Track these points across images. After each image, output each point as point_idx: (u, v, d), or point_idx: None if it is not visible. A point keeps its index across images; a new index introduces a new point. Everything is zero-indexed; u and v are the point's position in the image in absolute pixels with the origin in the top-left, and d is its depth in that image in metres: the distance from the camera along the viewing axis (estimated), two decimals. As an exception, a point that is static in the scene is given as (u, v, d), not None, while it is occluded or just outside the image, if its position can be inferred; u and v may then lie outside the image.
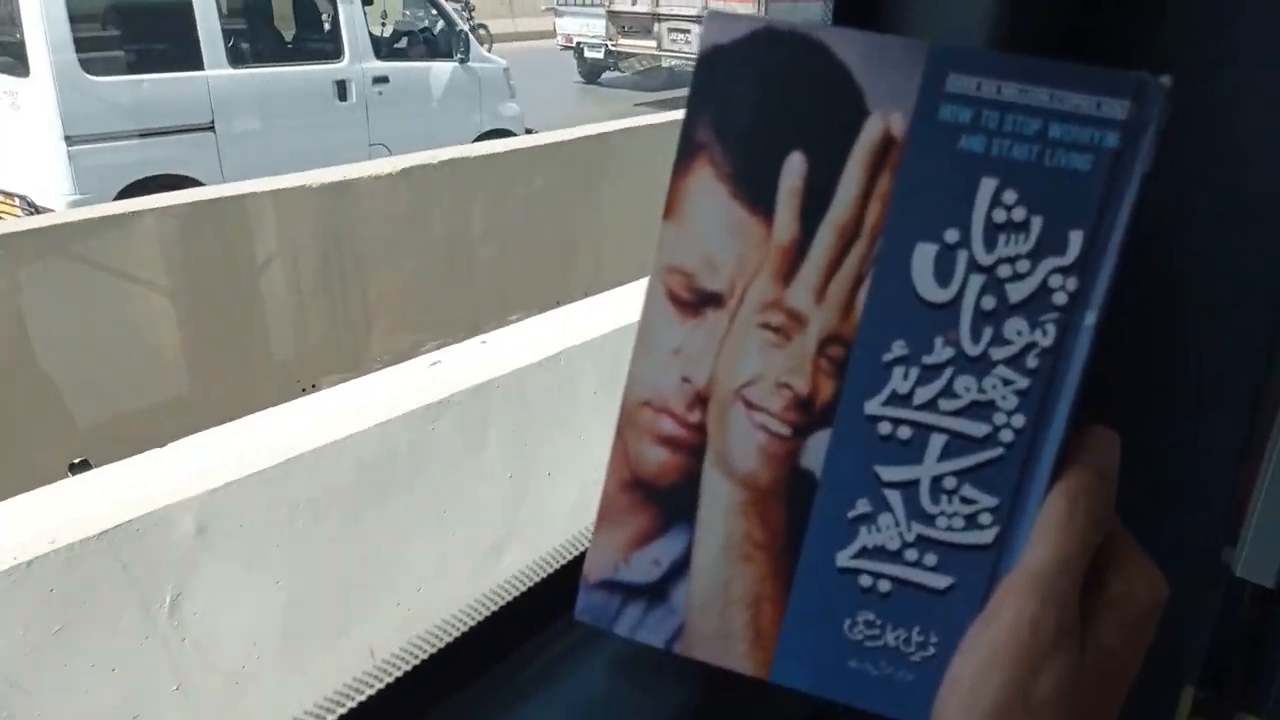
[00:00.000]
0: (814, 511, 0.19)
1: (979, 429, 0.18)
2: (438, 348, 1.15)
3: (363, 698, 0.33)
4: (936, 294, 0.18)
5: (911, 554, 0.19)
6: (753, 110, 0.18)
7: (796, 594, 0.19)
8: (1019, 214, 0.18)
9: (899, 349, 0.18)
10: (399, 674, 0.34)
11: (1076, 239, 0.18)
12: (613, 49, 7.45)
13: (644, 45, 7.31)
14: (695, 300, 0.19)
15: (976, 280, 0.18)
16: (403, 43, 4.51)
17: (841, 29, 0.18)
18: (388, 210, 2.00)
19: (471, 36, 4.41)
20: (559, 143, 2.26)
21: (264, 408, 0.97)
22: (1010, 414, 0.18)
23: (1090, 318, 0.18)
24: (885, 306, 0.18)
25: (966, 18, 0.21)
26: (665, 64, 7.34)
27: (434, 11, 4.33)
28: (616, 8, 7.33)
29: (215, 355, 1.80)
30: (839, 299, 0.19)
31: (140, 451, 0.83)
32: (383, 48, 4.16)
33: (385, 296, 2.03)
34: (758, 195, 0.18)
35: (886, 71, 0.18)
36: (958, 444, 0.19)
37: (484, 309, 2.13)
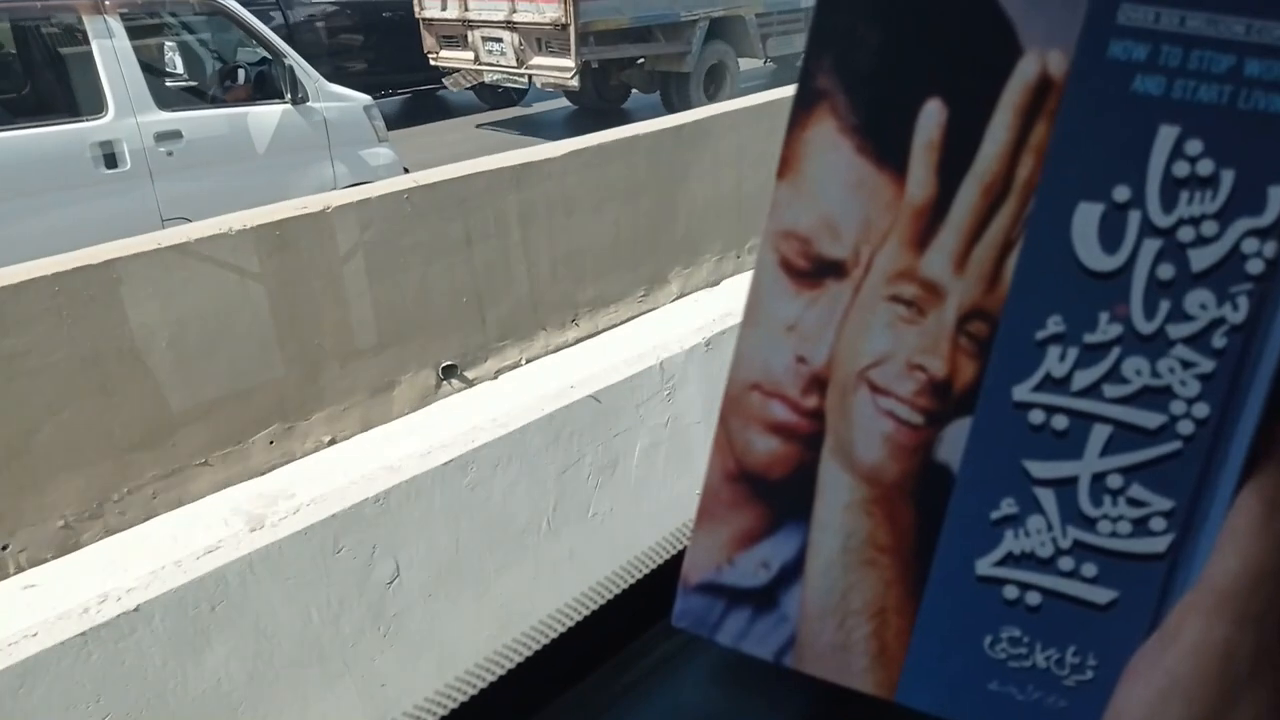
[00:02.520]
0: (950, 511, 0.22)
1: (1152, 419, 0.21)
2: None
3: (454, 705, 0.45)
4: (1102, 261, 0.21)
5: (1066, 563, 0.21)
6: (882, 52, 0.21)
7: (928, 605, 0.22)
8: (1205, 167, 0.20)
9: (1055, 325, 0.21)
10: (485, 683, 0.45)
11: (1277, 197, 0.20)
12: (433, 63, 8.15)
13: (463, 58, 7.91)
14: (813, 269, 0.22)
15: (1152, 245, 0.20)
16: (211, 84, 4.61)
17: None
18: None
19: (309, 71, 4.43)
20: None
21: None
22: (1191, 402, 0.21)
23: None
24: (1039, 276, 0.21)
25: None
26: (487, 79, 8.03)
27: (254, 42, 4.40)
28: (427, 14, 7.90)
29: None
30: (983, 267, 0.21)
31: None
32: (173, 94, 4.28)
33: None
34: (888, 149, 0.22)
35: (1043, 3, 0.21)
36: (1125, 436, 0.21)
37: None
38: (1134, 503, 0.21)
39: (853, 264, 0.22)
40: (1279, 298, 0.20)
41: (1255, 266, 0.20)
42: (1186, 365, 0.21)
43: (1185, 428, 0.21)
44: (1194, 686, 0.20)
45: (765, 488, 0.24)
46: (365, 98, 4.85)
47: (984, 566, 0.22)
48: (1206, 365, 0.20)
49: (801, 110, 0.22)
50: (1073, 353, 0.21)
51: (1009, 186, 0.21)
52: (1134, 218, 0.21)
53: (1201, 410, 0.21)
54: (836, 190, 0.22)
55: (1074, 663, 0.22)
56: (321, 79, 4.59)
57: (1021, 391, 0.22)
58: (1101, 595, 0.22)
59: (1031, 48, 0.21)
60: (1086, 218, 0.21)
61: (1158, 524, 0.21)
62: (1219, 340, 0.20)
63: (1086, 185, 0.21)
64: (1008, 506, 0.22)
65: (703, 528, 0.24)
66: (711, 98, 7.98)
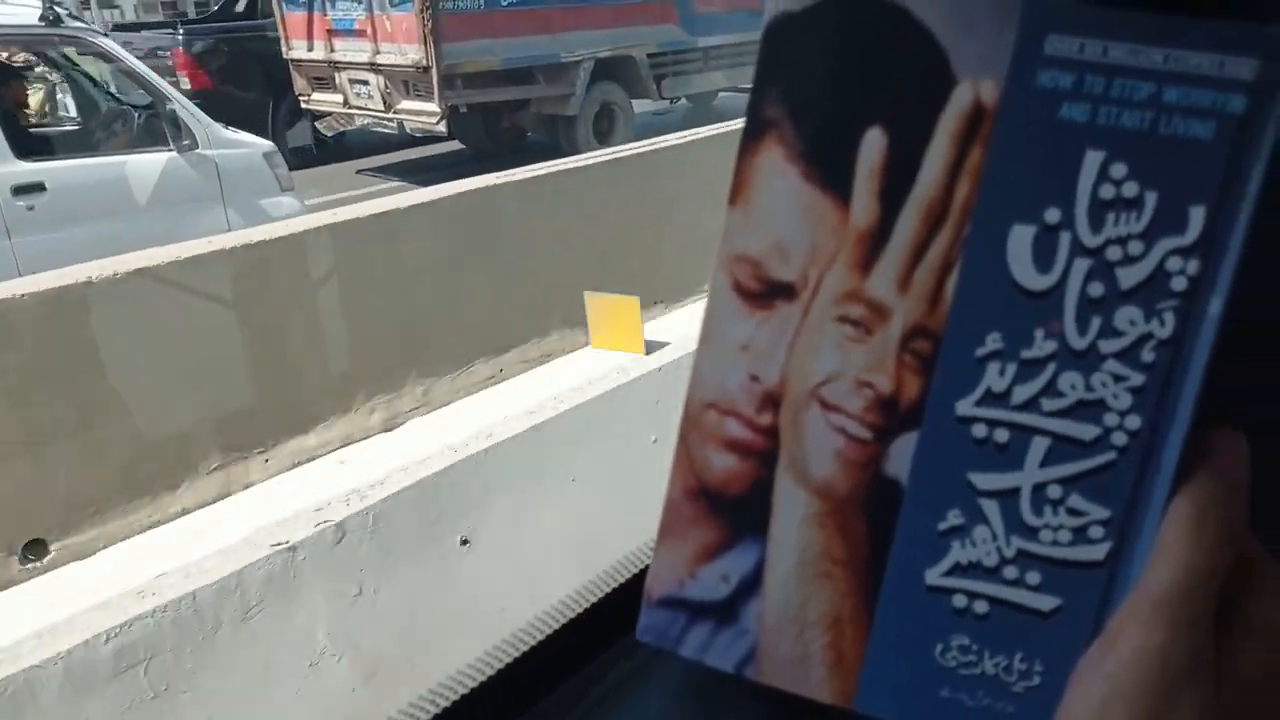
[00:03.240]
0: (900, 523, 0.24)
1: (1088, 431, 0.23)
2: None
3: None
4: (1036, 280, 0.23)
5: (1011, 571, 0.23)
6: (826, 83, 0.24)
7: (881, 615, 0.24)
8: (1130, 189, 0.22)
9: (994, 342, 0.23)
10: (450, 701, 0.47)
11: (1197, 216, 0.22)
12: (304, 106, 8.00)
13: (332, 101, 7.78)
14: (764, 291, 0.25)
15: (1082, 264, 0.22)
16: (82, 131, 4.45)
17: None
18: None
19: (197, 115, 4.23)
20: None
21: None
22: (1123, 414, 0.23)
23: (1215, 305, 0.22)
24: (977, 295, 0.23)
25: None
26: (359, 122, 8.03)
27: (131, 83, 4.22)
28: (295, 55, 7.69)
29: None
30: (925, 288, 0.23)
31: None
32: (36, 143, 4.12)
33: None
34: (833, 175, 0.24)
35: (974, 34, 0.23)
36: (1063, 448, 0.23)
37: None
38: (1073, 512, 0.23)
39: (802, 286, 0.25)
40: (1202, 313, 0.22)
41: (1179, 284, 0.22)
42: (1118, 379, 0.23)
43: (1119, 439, 0.23)
44: (1134, 691, 0.21)
45: (723, 503, 0.26)
46: (265, 143, 4.66)
47: (933, 576, 0.24)
48: (1137, 379, 0.23)
49: (750, 139, 0.24)
50: (1011, 368, 0.23)
51: (947, 210, 0.23)
52: (1065, 238, 0.23)
53: (1134, 422, 0.23)
54: (785, 215, 0.24)
55: (1021, 669, 0.24)
56: (214, 124, 4.37)
57: (964, 406, 0.24)
58: (1045, 603, 0.24)
59: (965, 77, 0.23)
60: (1020, 239, 0.23)
61: (1096, 532, 0.23)
62: (1148, 354, 0.22)
63: (1020, 208, 0.23)
64: (954, 518, 0.24)
65: (664, 543, 0.26)
66: (603, 140, 7.82)
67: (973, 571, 0.24)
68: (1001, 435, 0.23)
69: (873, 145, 0.24)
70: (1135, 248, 0.22)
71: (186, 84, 7.63)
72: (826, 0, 0.24)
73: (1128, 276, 0.23)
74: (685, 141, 4.42)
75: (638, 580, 0.27)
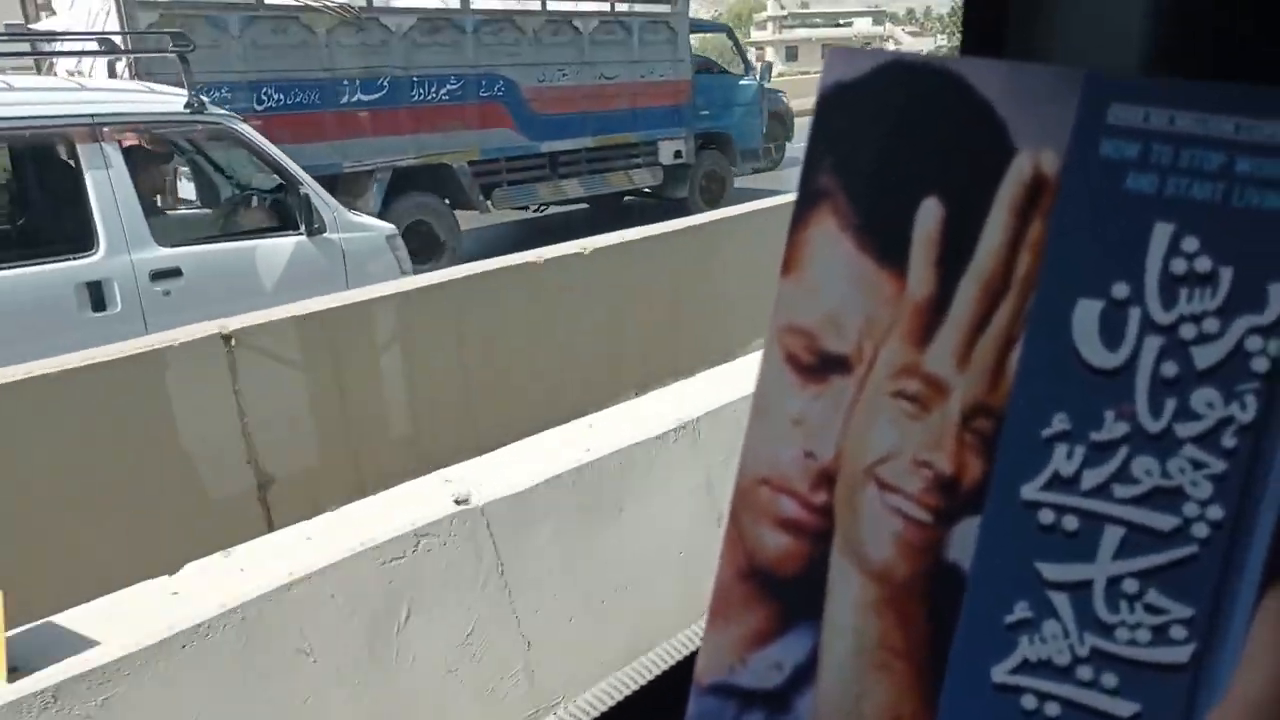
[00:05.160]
0: (963, 615, 0.25)
1: (1165, 521, 0.23)
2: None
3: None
4: (1104, 358, 0.24)
5: (1085, 672, 0.24)
6: (881, 152, 0.26)
7: (945, 713, 0.25)
8: (1203, 264, 0.23)
9: (1060, 423, 0.24)
10: None
11: (1277, 293, 0.23)
12: None
13: None
14: (818, 364, 0.26)
15: (1154, 342, 0.23)
16: (217, 216, 4.91)
17: (979, 59, 0.25)
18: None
19: (323, 199, 4.59)
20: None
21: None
22: (1204, 504, 0.23)
23: None
24: (1042, 372, 0.24)
25: (1116, 45, 0.29)
26: None
27: (266, 168, 4.61)
28: None
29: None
30: (986, 363, 0.25)
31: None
32: (174, 228, 4.51)
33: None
34: (888, 246, 0.25)
35: (1034, 104, 0.24)
36: (1139, 539, 0.24)
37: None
38: (1152, 609, 0.24)
39: (857, 359, 0.26)
40: None
41: (1260, 364, 0.23)
42: (1197, 465, 0.23)
43: (1200, 530, 0.23)
44: None
45: (776, 585, 0.27)
46: (388, 227, 4.92)
47: (1000, 674, 0.25)
48: (1218, 466, 0.23)
49: (803, 208, 0.26)
50: (1080, 451, 0.24)
51: (1008, 283, 0.25)
52: (1134, 314, 0.24)
53: (1215, 513, 0.23)
54: (839, 286, 0.26)
55: None
56: (341, 208, 4.64)
57: (1030, 490, 0.25)
58: (1124, 708, 0.24)
59: (1025, 147, 0.24)
60: (1087, 314, 0.24)
61: (1178, 632, 0.24)
62: (1229, 440, 0.23)
63: (1085, 282, 0.24)
64: (1021, 610, 0.25)
65: (714, 626, 0.27)
66: (421, 261, 6.93)
67: (1043, 670, 0.25)
68: (1071, 522, 0.24)
69: (929, 215, 0.25)
70: (1211, 325, 0.23)
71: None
72: (881, 69, 0.26)
73: (1204, 356, 0.23)
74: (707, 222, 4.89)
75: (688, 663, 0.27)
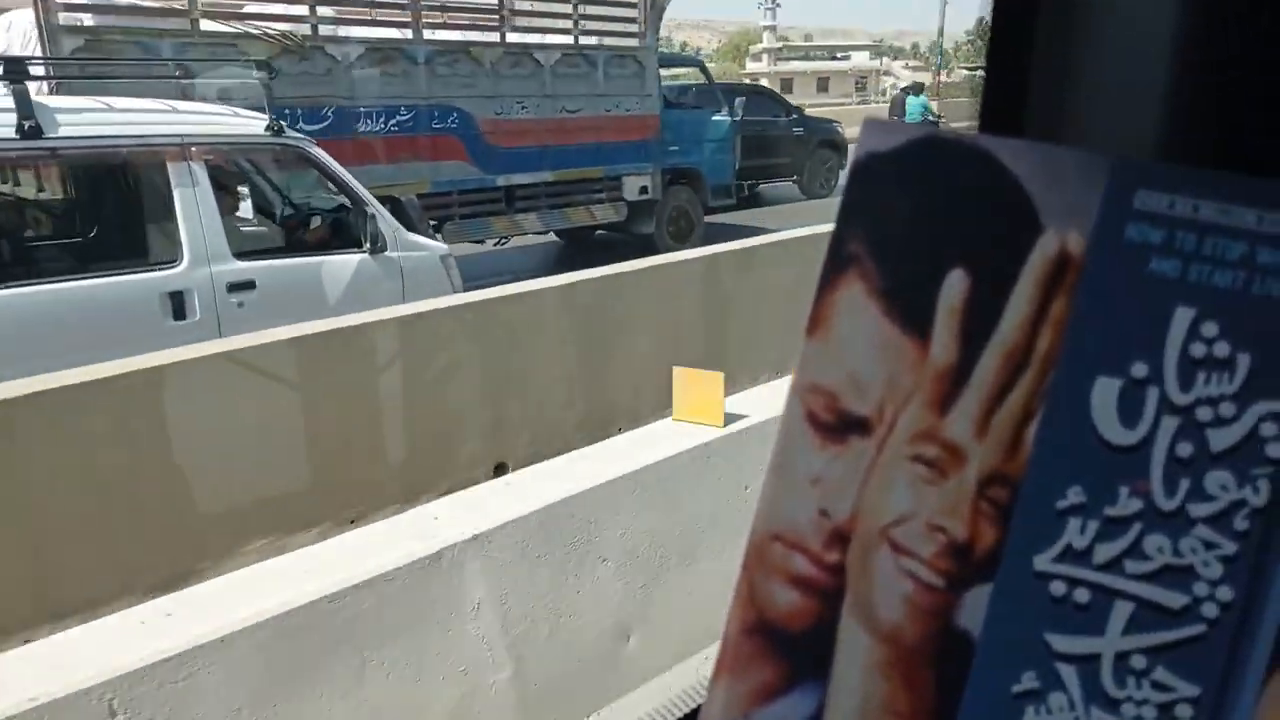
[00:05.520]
0: (970, 682, 0.24)
1: (1176, 599, 0.23)
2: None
3: None
4: (1121, 435, 0.24)
5: None
6: (911, 222, 0.26)
7: None
8: (1222, 349, 0.23)
9: (1075, 496, 0.24)
10: None
11: None
12: None
13: None
14: (838, 424, 0.26)
15: (1170, 422, 0.23)
16: (287, 232, 4.98)
17: (1011, 140, 0.25)
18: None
19: (385, 219, 4.70)
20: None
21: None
22: (1215, 584, 0.23)
23: None
24: (1059, 446, 0.24)
25: (1134, 131, 0.29)
26: None
27: (333, 187, 4.73)
28: None
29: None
30: (1004, 434, 0.25)
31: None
32: (249, 242, 4.58)
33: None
34: (913, 313, 0.25)
35: (1063, 185, 0.24)
36: (1148, 615, 0.23)
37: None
38: (1159, 686, 0.23)
39: (877, 421, 0.26)
40: None
41: (1275, 450, 0.23)
42: (1209, 546, 0.23)
43: (1210, 610, 0.23)
44: None
45: (785, 642, 0.26)
46: (443, 247, 5.08)
47: None
48: (1229, 547, 0.23)
49: (832, 272, 0.26)
50: (1093, 525, 0.24)
51: (1029, 356, 0.25)
52: (1152, 394, 0.24)
53: (1225, 594, 0.23)
54: (863, 349, 0.26)
55: None
56: (400, 227, 4.76)
57: (1043, 561, 0.24)
58: None
59: (1051, 225, 0.25)
60: (1106, 391, 0.24)
61: (1184, 711, 0.23)
62: (1241, 523, 0.23)
63: (1105, 360, 0.24)
64: (1029, 681, 0.24)
65: (720, 681, 0.27)
66: None
67: None
68: (1082, 595, 0.24)
69: (955, 286, 0.25)
70: (1227, 409, 0.23)
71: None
72: (915, 142, 0.26)
73: (1219, 439, 0.23)
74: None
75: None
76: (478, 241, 8.88)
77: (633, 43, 9.53)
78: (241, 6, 7.06)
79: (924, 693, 0.25)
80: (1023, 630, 0.24)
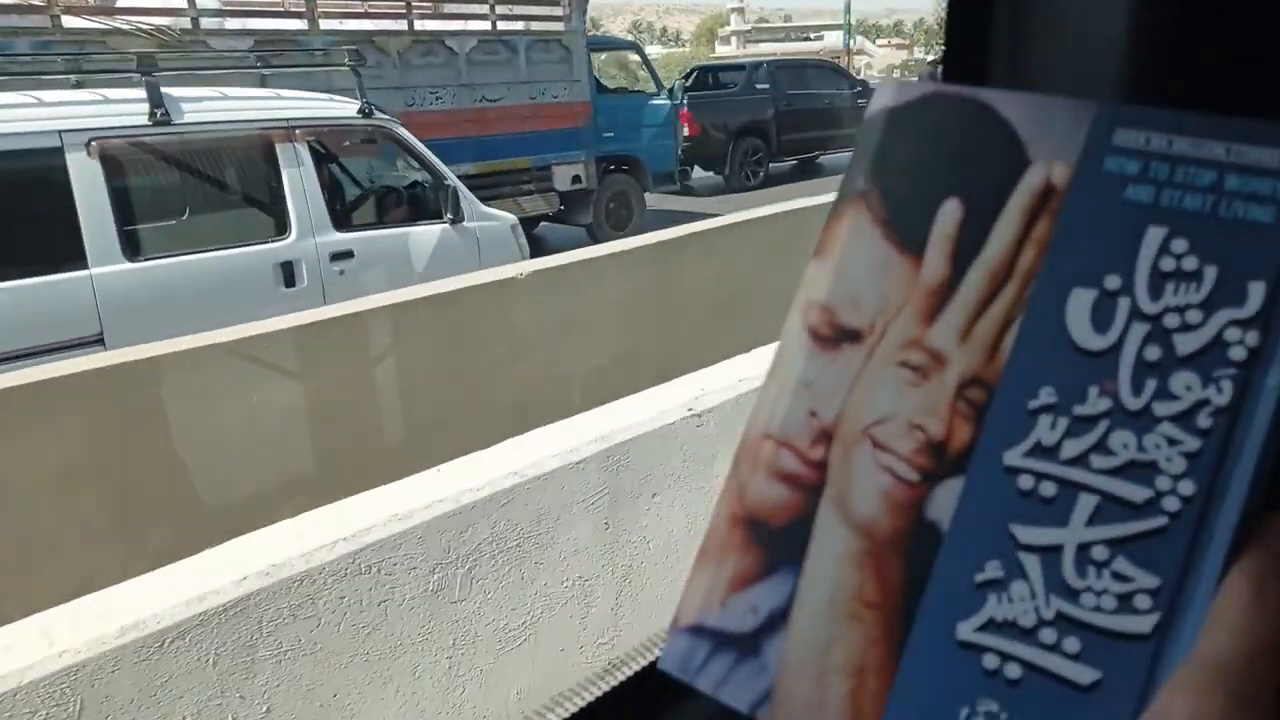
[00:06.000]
0: (936, 570, 0.24)
1: (1138, 493, 0.23)
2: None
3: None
4: (1093, 340, 0.24)
5: (1049, 635, 0.23)
6: (914, 162, 0.27)
7: (907, 668, 0.24)
8: (1190, 263, 0.24)
9: (1047, 396, 0.24)
10: None
11: (1257, 291, 0.23)
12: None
13: None
14: (834, 335, 0.27)
15: (1139, 328, 0.24)
16: (377, 206, 5.18)
17: (1009, 91, 0.27)
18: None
19: (464, 192, 4.90)
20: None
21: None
22: (1177, 479, 0.23)
23: (1274, 378, 0.22)
24: (1034, 350, 0.25)
25: (1089, 77, 0.30)
26: None
27: (416, 164, 5.00)
28: None
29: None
30: (984, 340, 0.25)
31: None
32: (345, 215, 4.83)
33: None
34: (910, 237, 0.27)
35: (1051, 127, 0.26)
36: (1111, 508, 0.23)
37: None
38: (1119, 577, 0.23)
39: (869, 332, 0.27)
40: (1261, 384, 0.23)
41: (1238, 353, 0.23)
42: (1172, 442, 0.23)
43: (1171, 504, 0.23)
44: None
45: (765, 533, 0.27)
46: (511, 217, 5.35)
47: (965, 631, 0.24)
48: (1192, 444, 0.23)
49: (841, 204, 0.28)
50: (1063, 423, 0.24)
51: (1012, 272, 0.26)
52: (1123, 303, 0.24)
53: (1187, 488, 0.23)
54: (862, 270, 0.27)
55: None
56: (475, 200, 5.09)
57: (1013, 456, 0.24)
58: (1084, 675, 0.23)
59: (1039, 160, 0.26)
60: (1080, 301, 0.25)
61: (1142, 601, 0.23)
62: (1204, 420, 0.23)
63: (1082, 273, 0.25)
64: (993, 570, 0.24)
65: (701, 567, 0.27)
66: None
67: (1008, 630, 0.24)
68: (1048, 489, 0.24)
69: (949, 214, 0.27)
70: (1194, 316, 0.24)
71: (685, 130, 10.69)
72: (923, 96, 0.28)
73: (1185, 343, 0.24)
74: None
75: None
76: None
77: (557, 27, 8.59)
78: (114, 1, 6.47)
79: (893, 582, 0.25)
80: (990, 522, 0.24)
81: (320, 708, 1.55)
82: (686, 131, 10.62)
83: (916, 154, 0.28)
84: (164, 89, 4.22)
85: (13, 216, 3.86)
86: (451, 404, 3.49)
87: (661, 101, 10.06)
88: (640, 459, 1.99)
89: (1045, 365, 0.25)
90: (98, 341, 3.83)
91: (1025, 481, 0.24)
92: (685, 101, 11.04)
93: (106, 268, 3.89)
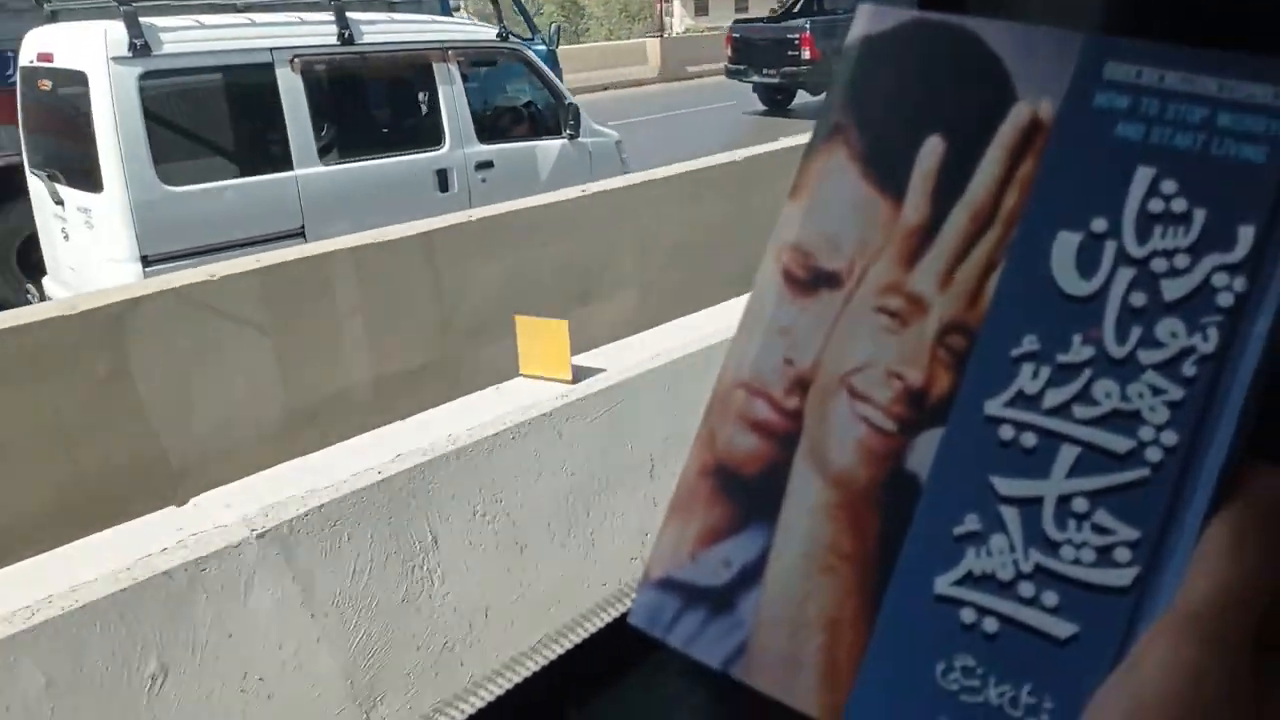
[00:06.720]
0: (914, 523, 0.22)
1: (1120, 443, 0.21)
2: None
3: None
4: (1078, 286, 0.22)
5: (1027, 588, 0.21)
6: (896, 95, 0.25)
7: (883, 622, 0.22)
8: (1179, 205, 0.22)
9: (1030, 344, 0.22)
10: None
11: (1246, 235, 0.21)
12: None
13: None
14: (810, 279, 0.25)
15: (1125, 273, 0.22)
16: (508, 121, 5.30)
17: (994, 20, 0.24)
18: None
19: (582, 112, 5.08)
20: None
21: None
22: (1160, 429, 0.21)
23: (1261, 325, 0.21)
24: (1017, 296, 0.22)
25: (1074, 8, 0.27)
26: None
27: (540, 85, 5.15)
28: None
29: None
30: (966, 286, 0.23)
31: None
32: (486, 129, 5.00)
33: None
34: (890, 176, 0.24)
35: (1038, 60, 0.23)
36: (1093, 459, 0.21)
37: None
38: (1099, 529, 0.21)
39: (847, 276, 0.25)
40: (1248, 332, 0.21)
41: (1225, 300, 0.21)
42: (1156, 391, 0.21)
43: (1153, 454, 0.21)
44: (1161, 710, 0.19)
45: (738, 484, 0.25)
46: (615, 134, 5.64)
47: (943, 585, 0.22)
48: (1176, 393, 0.21)
49: (818, 141, 0.26)
50: (1045, 371, 0.22)
51: (995, 214, 0.24)
52: (1110, 247, 0.22)
53: (1170, 438, 0.21)
54: (840, 210, 0.25)
55: (1029, 703, 0.21)
56: (588, 119, 5.39)
57: (993, 406, 0.23)
58: (1062, 628, 0.21)
59: (1025, 96, 0.24)
60: (1065, 245, 0.23)
61: (1122, 554, 0.21)
62: (1189, 369, 0.21)
63: (1067, 216, 0.23)
64: (971, 523, 0.22)
65: (672, 520, 0.25)
66: None
67: (986, 584, 0.22)
68: (1029, 439, 0.22)
69: (931, 151, 0.25)
70: (1181, 261, 0.22)
71: (807, 54, 11.26)
72: (904, 24, 0.26)
73: (1172, 289, 0.22)
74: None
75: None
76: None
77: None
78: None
79: (868, 534, 0.23)
80: (969, 473, 0.23)
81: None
82: (808, 55, 11.26)
83: (897, 86, 0.25)
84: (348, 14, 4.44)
85: (235, 123, 4.38)
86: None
87: (537, 48, 8.46)
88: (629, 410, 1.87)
89: (1028, 311, 0.23)
90: (299, 234, 4.23)
91: (1006, 432, 0.23)
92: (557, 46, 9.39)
93: (307, 170, 4.33)
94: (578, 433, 1.91)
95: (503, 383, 2.01)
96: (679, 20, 27.91)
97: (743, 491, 0.25)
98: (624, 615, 0.27)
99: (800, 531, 0.24)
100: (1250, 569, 0.20)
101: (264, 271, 2.89)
